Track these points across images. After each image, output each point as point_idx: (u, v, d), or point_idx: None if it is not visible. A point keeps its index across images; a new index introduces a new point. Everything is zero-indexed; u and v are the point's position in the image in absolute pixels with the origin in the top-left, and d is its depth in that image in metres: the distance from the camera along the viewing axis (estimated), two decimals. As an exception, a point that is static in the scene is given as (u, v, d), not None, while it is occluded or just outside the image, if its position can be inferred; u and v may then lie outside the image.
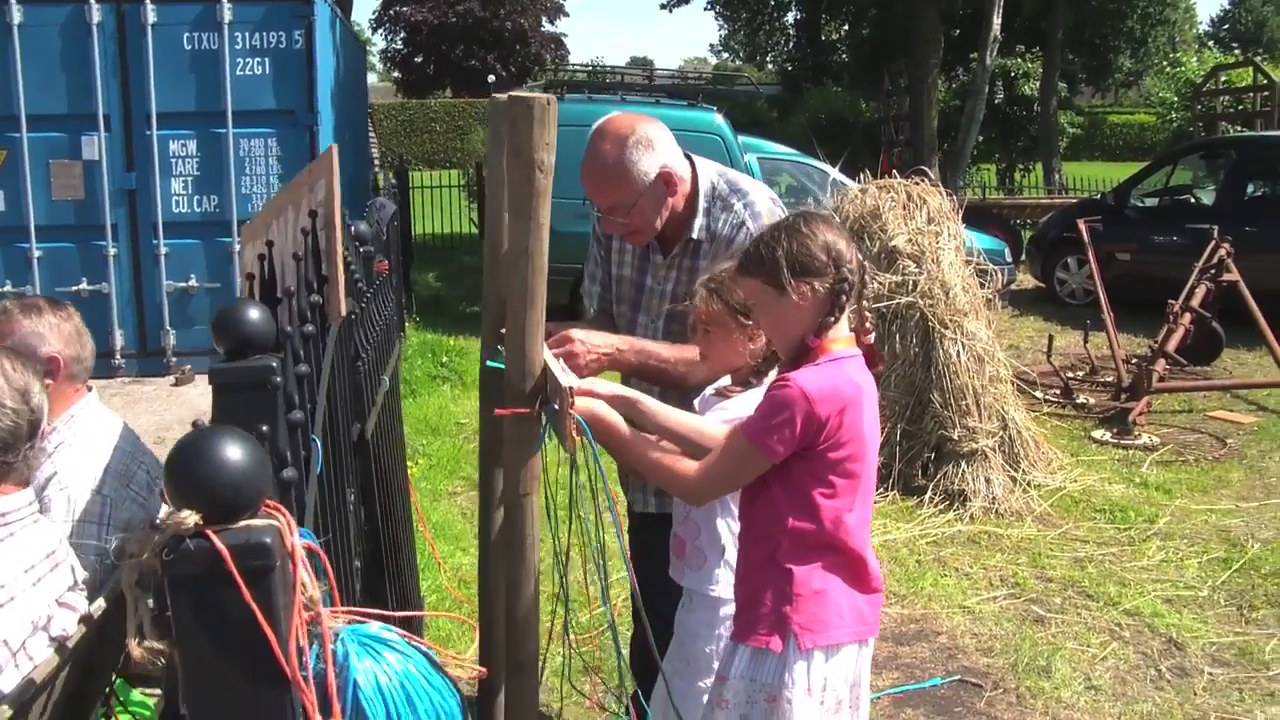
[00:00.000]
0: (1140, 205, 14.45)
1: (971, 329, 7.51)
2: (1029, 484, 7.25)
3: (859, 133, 24.77)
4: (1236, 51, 44.67)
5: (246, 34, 8.61)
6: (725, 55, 58.26)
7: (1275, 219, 12.80)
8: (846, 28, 35.37)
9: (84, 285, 8.67)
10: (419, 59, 48.39)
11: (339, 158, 2.87)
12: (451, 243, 20.83)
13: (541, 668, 3.23)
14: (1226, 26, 67.14)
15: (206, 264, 8.87)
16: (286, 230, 3.02)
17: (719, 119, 12.47)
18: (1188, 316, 9.71)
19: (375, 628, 1.48)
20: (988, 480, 7.13)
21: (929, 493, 7.09)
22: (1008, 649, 5.17)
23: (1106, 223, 12.92)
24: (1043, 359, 10.25)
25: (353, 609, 1.55)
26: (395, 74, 50.49)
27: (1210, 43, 55.09)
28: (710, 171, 3.60)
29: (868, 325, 2.82)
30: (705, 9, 37.25)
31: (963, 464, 7.23)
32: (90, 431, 3.29)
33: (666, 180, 3.41)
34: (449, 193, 21.57)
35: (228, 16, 8.52)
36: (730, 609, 3.24)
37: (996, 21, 20.11)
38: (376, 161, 21.79)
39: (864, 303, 2.79)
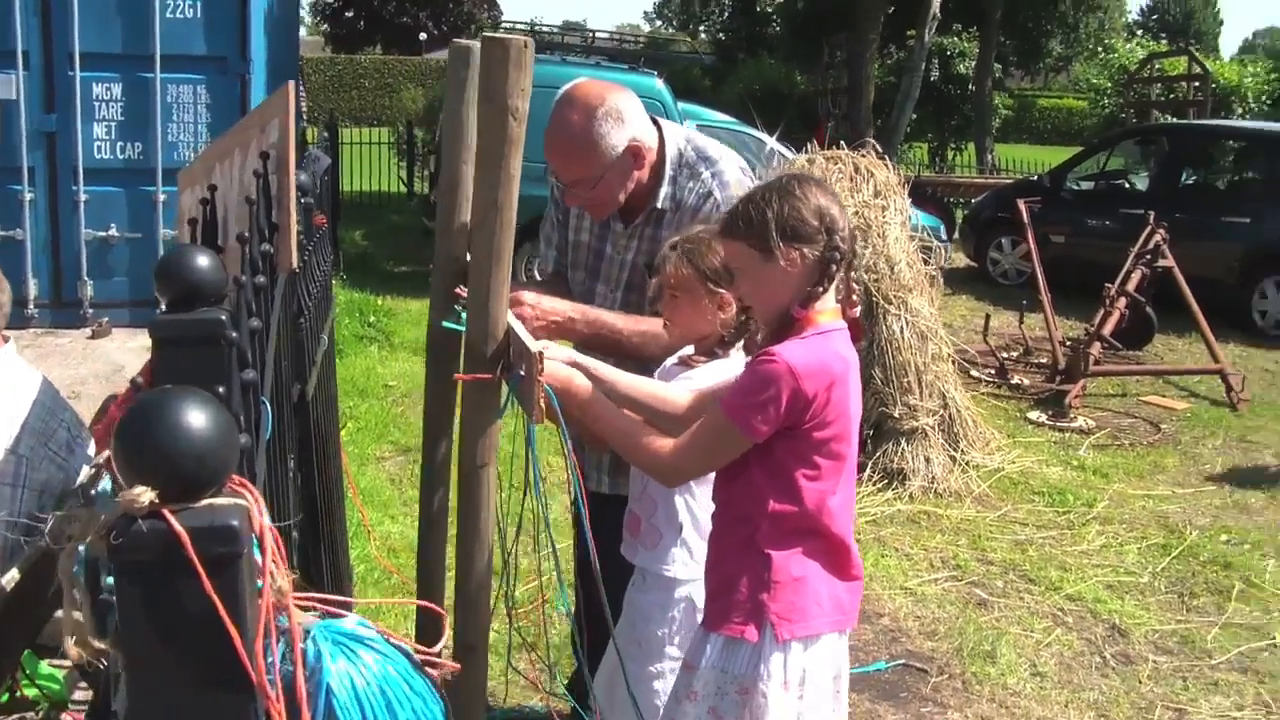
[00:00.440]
0: (1075, 189, 14.48)
1: (915, 305, 7.41)
2: (968, 464, 7.18)
3: (794, 105, 24.68)
4: (1165, 40, 45.16)
5: (178, -26, 8.25)
6: (659, 23, 57.89)
7: (1207, 206, 12.90)
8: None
9: (-3, 230, 8.30)
10: (349, 13, 47.59)
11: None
12: (379, 201, 20.41)
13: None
14: (1155, 17, 67.94)
15: (129, 213, 8.49)
16: (232, 174, 2.80)
17: (660, 84, 12.28)
18: (1123, 301, 9.70)
19: (351, 623, 1.29)
20: (927, 459, 7.05)
21: (868, 470, 6.98)
22: (952, 633, 5.08)
23: (1042, 205, 12.92)
24: (976, 338, 10.23)
25: (324, 597, 1.36)
26: (325, 27, 49.58)
27: (1139, 31, 55.70)
28: (678, 137, 3.42)
29: (854, 298, 2.67)
30: (641, -26, 36.94)
31: (902, 442, 7.14)
32: (6, 383, 3.06)
33: (635, 154, 3.22)
34: (378, 150, 21.13)
35: (158, -45, 8.16)
36: (686, 590, 3.09)
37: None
38: (305, 116, 21.32)
39: (852, 273, 2.64)
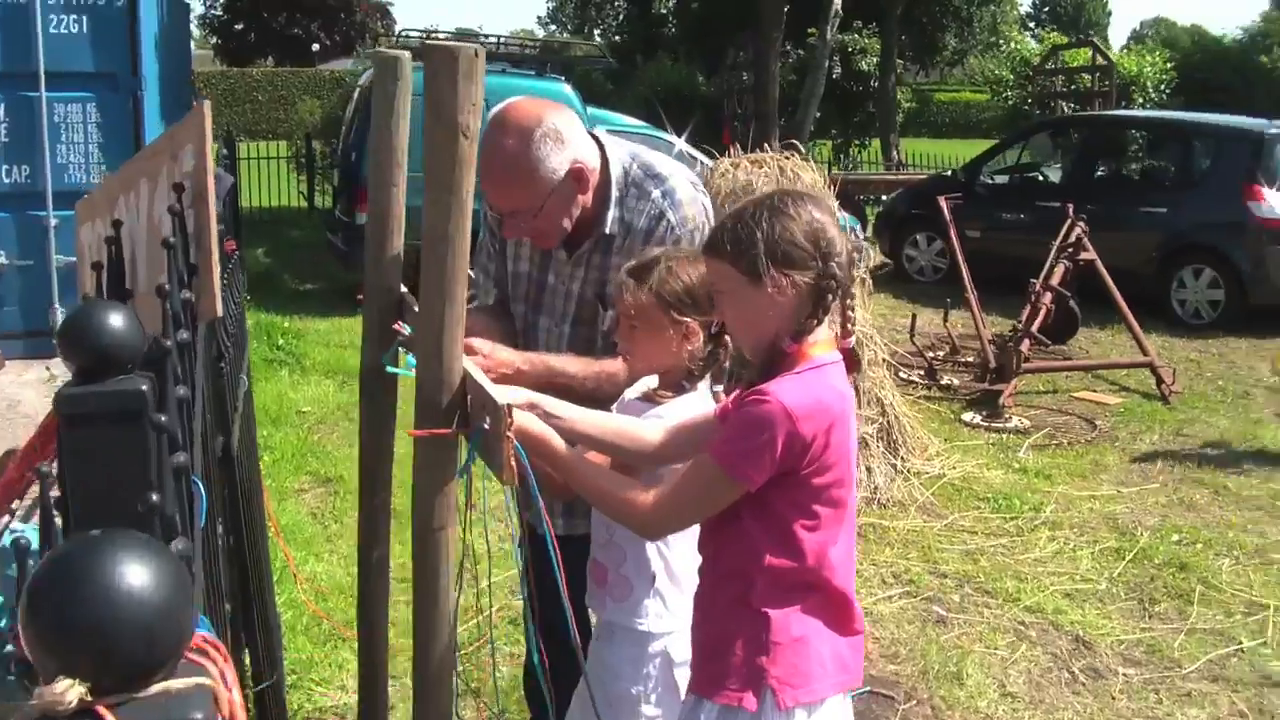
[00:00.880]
0: (990, 183, 14.43)
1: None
2: (910, 472, 6.99)
3: (696, 106, 24.53)
4: (1056, 32, 45.80)
5: (60, -12, 7.81)
6: (553, 27, 57.51)
7: (1122, 197, 12.89)
8: (675, 1, 35.08)
9: (-122, 261, 7.81)
10: (239, 25, 46.65)
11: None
12: (279, 216, 19.85)
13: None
14: (1047, 9, 68.87)
15: (18, 239, 8.05)
16: (139, 207, 2.48)
17: (568, 89, 12.01)
18: (1048, 296, 9.59)
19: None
20: (869, 469, 6.84)
21: (809, 483, 6.75)
22: (914, 654, 4.86)
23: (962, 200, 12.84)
24: (899, 338, 10.07)
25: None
26: (214, 40, 48.55)
27: (1031, 24, 56.50)
28: (621, 154, 3.14)
29: (850, 326, 2.42)
30: (536, -23, 36.76)
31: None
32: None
33: (578, 176, 2.94)
34: (275, 164, 20.57)
35: (39, -32, 7.70)
36: (661, 644, 2.83)
37: (837, -4, 20.00)
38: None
39: (848, 300, 2.38)
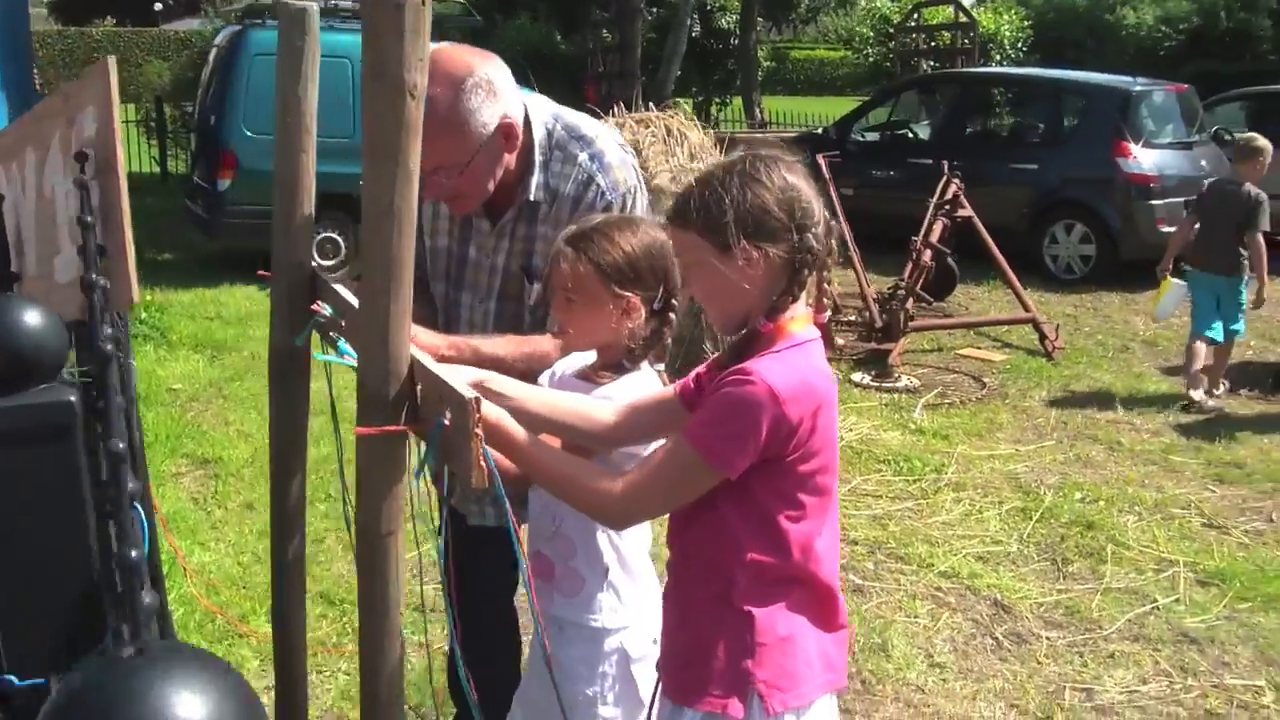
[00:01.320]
0: (861, 140, 14.42)
1: (743, 273, 7.07)
2: (808, 436, 6.88)
3: (558, 66, 24.17)
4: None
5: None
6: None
7: (993, 154, 13.00)
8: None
9: None
10: (75, -18, 44.82)
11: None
12: (130, 184, 18.97)
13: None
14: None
15: None
16: (25, 178, 2.18)
17: (437, 49, 11.61)
18: (929, 254, 9.58)
19: None
20: (769, 434, 6.72)
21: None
22: (836, 626, 4.74)
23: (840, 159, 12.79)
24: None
25: None
26: (48, -2, 46.57)
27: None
28: (543, 113, 2.91)
29: (825, 300, 2.24)
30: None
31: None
32: None
33: (507, 133, 2.72)
34: (125, 129, 19.70)
35: None
36: (616, 640, 2.63)
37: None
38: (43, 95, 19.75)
39: (825, 273, 2.19)
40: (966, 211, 9.83)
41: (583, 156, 2.86)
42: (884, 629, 4.69)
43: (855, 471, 6.49)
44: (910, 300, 9.08)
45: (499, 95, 2.70)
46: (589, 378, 2.60)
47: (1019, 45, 24.62)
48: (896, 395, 7.99)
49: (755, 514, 2.09)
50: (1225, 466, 6.63)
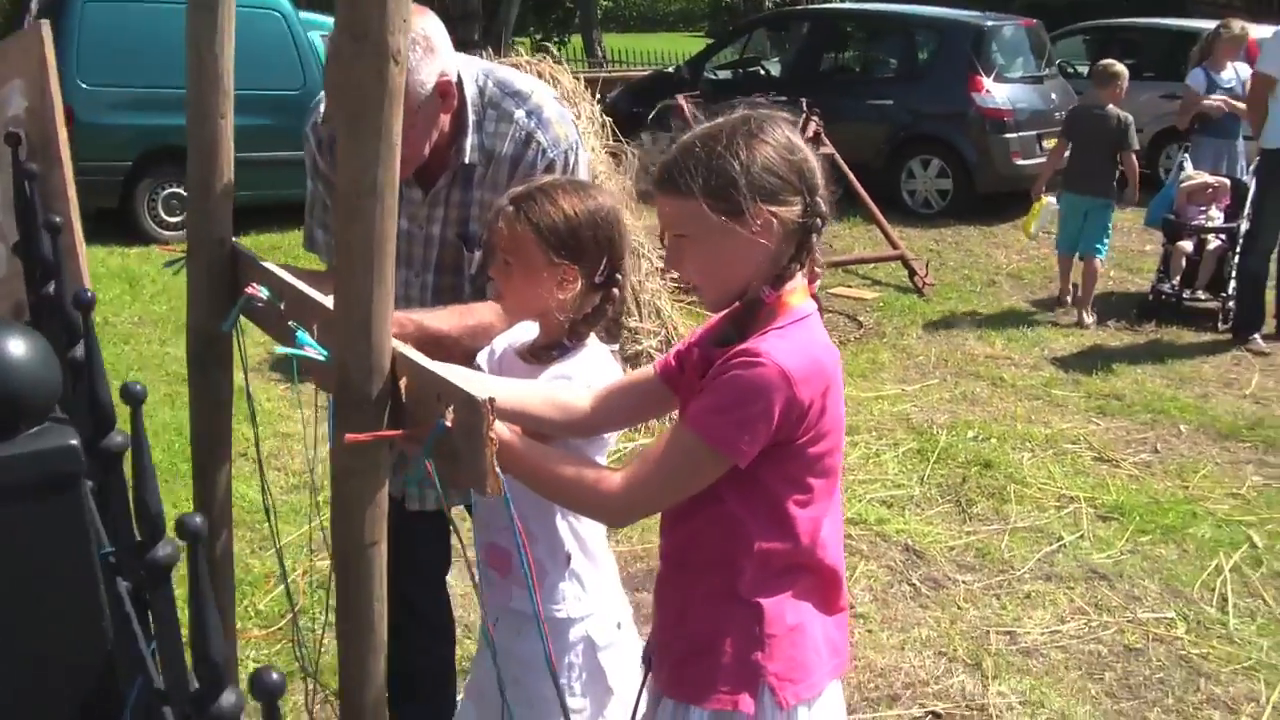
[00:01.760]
0: (714, 78, 14.30)
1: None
2: (696, 384, 6.79)
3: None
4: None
5: None
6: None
7: (848, 91, 13.02)
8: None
9: None
10: None
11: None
12: None
13: None
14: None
15: None
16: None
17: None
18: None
19: None
20: (657, 384, 6.60)
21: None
22: (752, 582, 4.67)
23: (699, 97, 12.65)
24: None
25: None
26: None
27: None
28: (474, 70, 2.72)
29: (817, 269, 2.10)
30: None
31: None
32: None
33: (444, 92, 2.54)
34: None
35: None
36: (582, 629, 2.49)
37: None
38: None
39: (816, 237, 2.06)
40: (828, 149, 9.76)
41: (519, 113, 2.70)
42: (802, 582, 4.63)
43: (747, 419, 6.41)
44: (781, 241, 9.01)
45: (436, 52, 2.51)
46: (535, 356, 2.43)
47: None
48: (776, 338, 7.94)
49: (762, 501, 1.96)
50: (1105, 399, 6.74)
